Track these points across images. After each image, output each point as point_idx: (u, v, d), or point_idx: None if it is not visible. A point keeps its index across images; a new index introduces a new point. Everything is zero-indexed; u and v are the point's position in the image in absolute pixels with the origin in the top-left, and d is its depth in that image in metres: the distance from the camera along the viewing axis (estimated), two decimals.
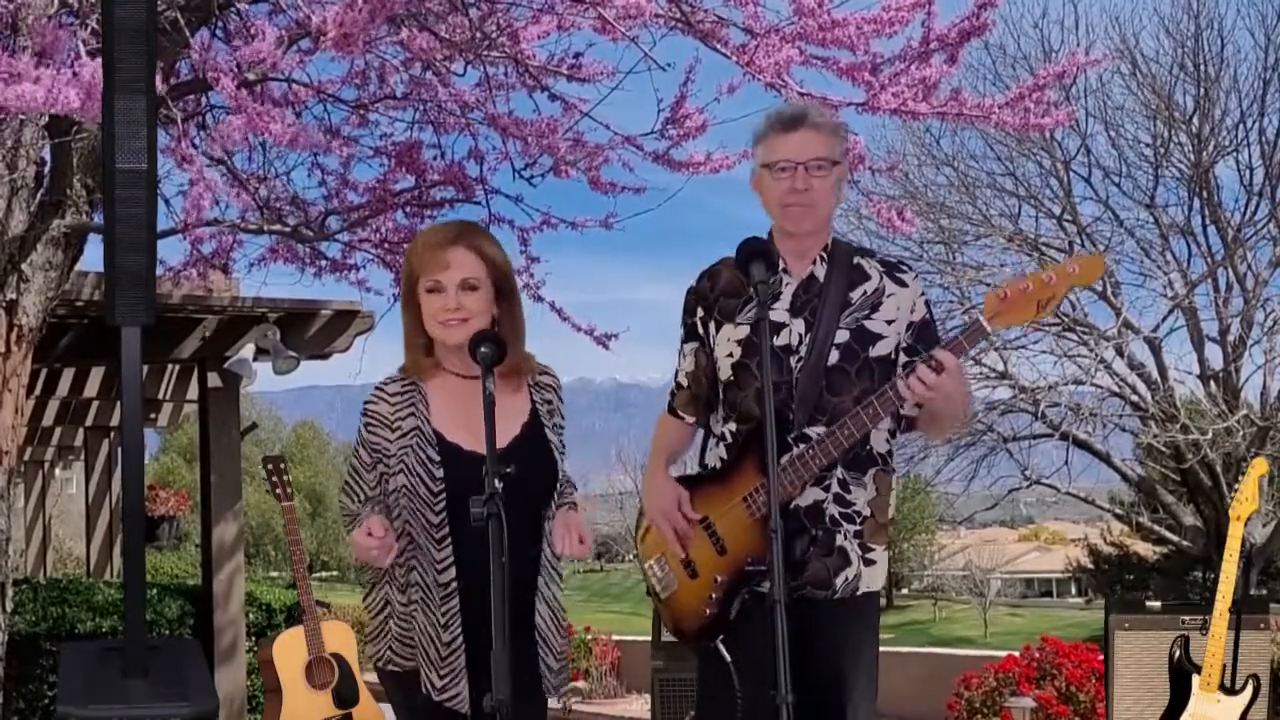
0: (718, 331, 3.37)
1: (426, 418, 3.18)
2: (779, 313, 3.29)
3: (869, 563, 3.31)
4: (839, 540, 3.27)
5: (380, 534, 3.05)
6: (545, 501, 3.20)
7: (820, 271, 3.31)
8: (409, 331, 3.24)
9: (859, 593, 3.30)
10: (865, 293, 3.31)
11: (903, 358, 3.29)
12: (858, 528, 3.28)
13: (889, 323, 3.30)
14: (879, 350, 3.28)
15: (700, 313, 3.41)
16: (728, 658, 3.22)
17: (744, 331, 3.32)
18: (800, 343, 3.26)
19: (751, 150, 3.37)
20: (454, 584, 3.13)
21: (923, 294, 3.40)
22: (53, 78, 3.52)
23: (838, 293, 3.29)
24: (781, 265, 3.32)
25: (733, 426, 3.35)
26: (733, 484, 3.28)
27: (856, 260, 3.36)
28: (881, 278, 3.34)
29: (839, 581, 3.27)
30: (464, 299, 3.13)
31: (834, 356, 3.25)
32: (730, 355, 3.34)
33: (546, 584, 3.22)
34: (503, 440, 3.06)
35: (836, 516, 3.27)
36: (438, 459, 3.14)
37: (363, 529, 3.07)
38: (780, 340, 3.27)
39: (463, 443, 3.16)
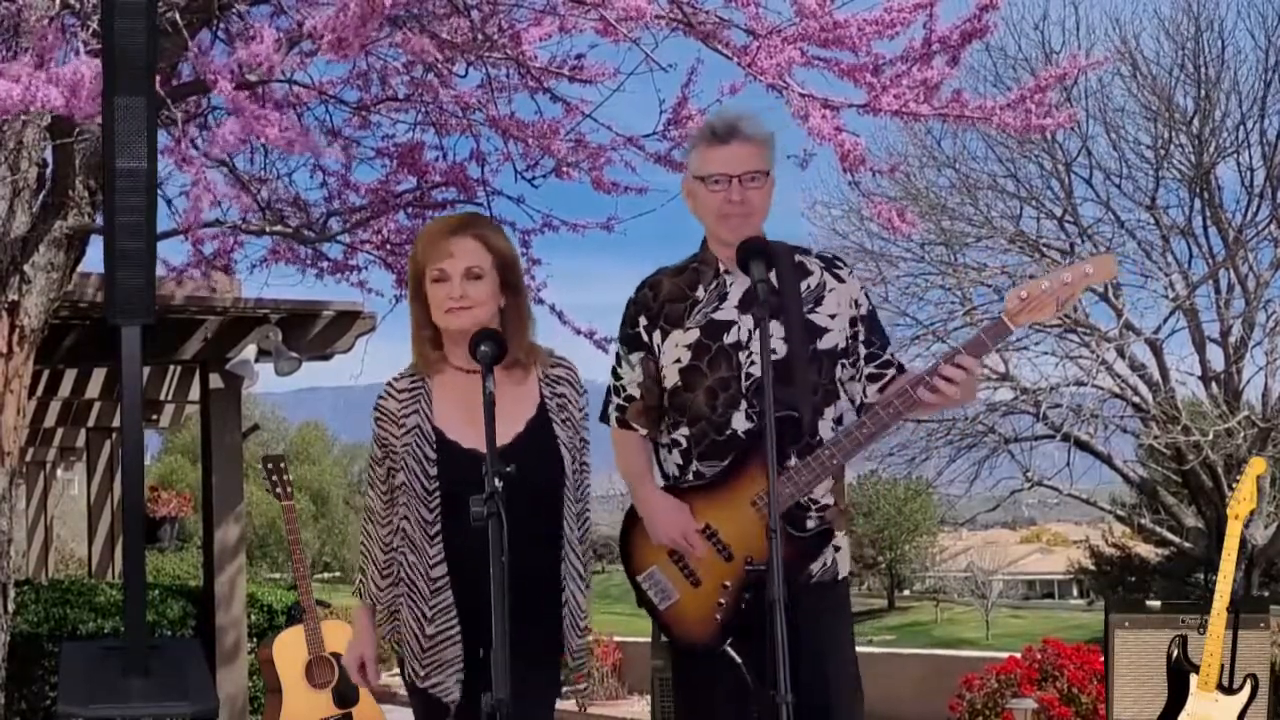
0: (664, 339, 3.40)
1: (428, 415, 3.23)
2: (728, 310, 3.35)
3: (836, 548, 3.38)
4: (809, 524, 3.31)
5: (371, 678, 3.37)
6: (555, 498, 3.20)
7: (770, 272, 3.35)
8: (417, 324, 3.27)
9: (839, 578, 3.39)
10: (809, 287, 3.38)
11: (863, 350, 3.38)
12: (816, 515, 3.33)
13: (832, 316, 3.37)
14: (825, 343, 3.35)
15: (644, 321, 3.44)
16: (738, 660, 3.23)
17: (693, 335, 3.36)
18: (750, 338, 3.31)
19: (686, 160, 3.44)
20: (445, 579, 3.18)
21: (862, 287, 3.47)
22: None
23: (794, 289, 3.35)
24: (723, 268, 3.38)
25: (686, 431, 3.37)
26: (738, 487, 3.28)
27: (798, 258, 3.42)
28: (822, 273, 3.41)
29: (815, 567, 3.33)
30: (468, 287, 3.16)
31: (782, 350, 3.30)
32: (678, 361, 3.37)
33: (566, 580, 3.23)
34: (506, 437, 3.08)
35: (804, 503, 3.31)
36: (433, 456, 3.19)
37: (355, 656, 3.36)
38: (730, 338, 3.33)
39: (461, 439, 3.19)
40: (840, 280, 3.41)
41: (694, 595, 3.33)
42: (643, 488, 3.43)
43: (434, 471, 3.18)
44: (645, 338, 3.43)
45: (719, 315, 3.35)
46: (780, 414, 3.18)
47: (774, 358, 3.25)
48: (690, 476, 3.37)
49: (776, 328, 3.29)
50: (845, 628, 3.43)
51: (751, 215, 3.33)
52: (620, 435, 3.50)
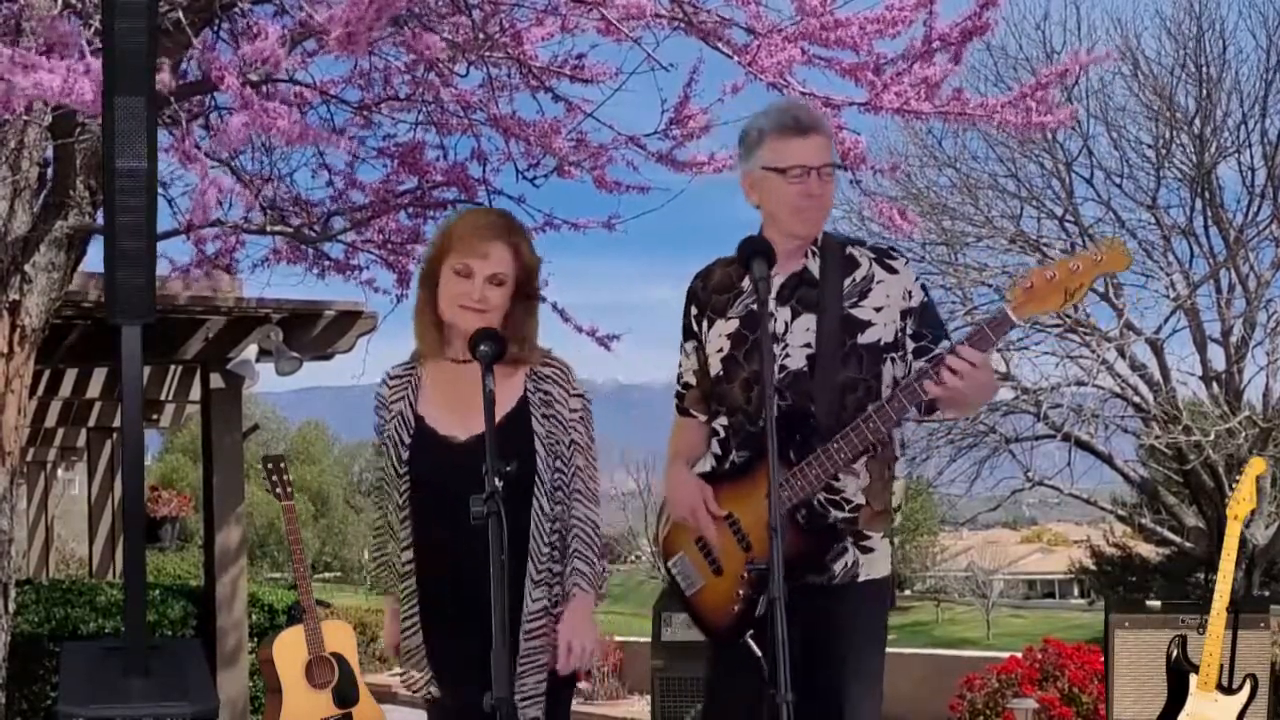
0: (710, 328, 3.42)
1: (412, 401, 3.26)
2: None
3: (866, 550, 3.32)
4: (829, 520, 3.28)
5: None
6: (525, 497, 3.14)
7: (814, 265, 3.34)
8: (421, 305, 3.27)
9: (859, 579, 3.32)
10: (854, 280, 3.34)
11: (910, 344, 3.31)
12: (847, 515, 3.29)
13: (877, 310, 3.31)
14: (867, 338, 3.29)
15: (694, 310, 3.47)
16: (758, 652, 3.21)
17: (733, 325, 3.37)
18: (787, 330, 3.29)
19: (745, 149, 3.38)
20: (410, 565, 3.22)
21: (917, 279, 3.40)
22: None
23: (834, 284, 3.32)
24: None
25: (724, 420, 3.38)
26: (759, 479, 3.24)
27: (849, 250, 3.39)
28: (871, 265, 3.36)
29: (838, 567, 3.29)
30: (488, 291, 3.17)
31: (815, 345, 3.28)
32: (720, 350, 3.38)
33: (531, 591, 3.14)
34: (479, 429, 3.00)
35: (824, 502, 3.28)
36: (408, 441, 3.22)
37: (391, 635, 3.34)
38: (767, 329, 3.30)
39: (439, 427, 3.22)
40: (892, 271, 3.34)
41: (716, 584, 3.34)
42: (671, 466, 3.48)
43: (405, 455, 3.22)
44: (696, 326, 3.46)
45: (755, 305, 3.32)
46: (797, 410, 3.21)
47: (806, 353, 3.26)
48: (727, 466, 3.39)
49: (811, 323, 3.28)
50: (865, 630, 3.34)
51: (824, 209, 3.33)
52: (678, 421, 3.54)
